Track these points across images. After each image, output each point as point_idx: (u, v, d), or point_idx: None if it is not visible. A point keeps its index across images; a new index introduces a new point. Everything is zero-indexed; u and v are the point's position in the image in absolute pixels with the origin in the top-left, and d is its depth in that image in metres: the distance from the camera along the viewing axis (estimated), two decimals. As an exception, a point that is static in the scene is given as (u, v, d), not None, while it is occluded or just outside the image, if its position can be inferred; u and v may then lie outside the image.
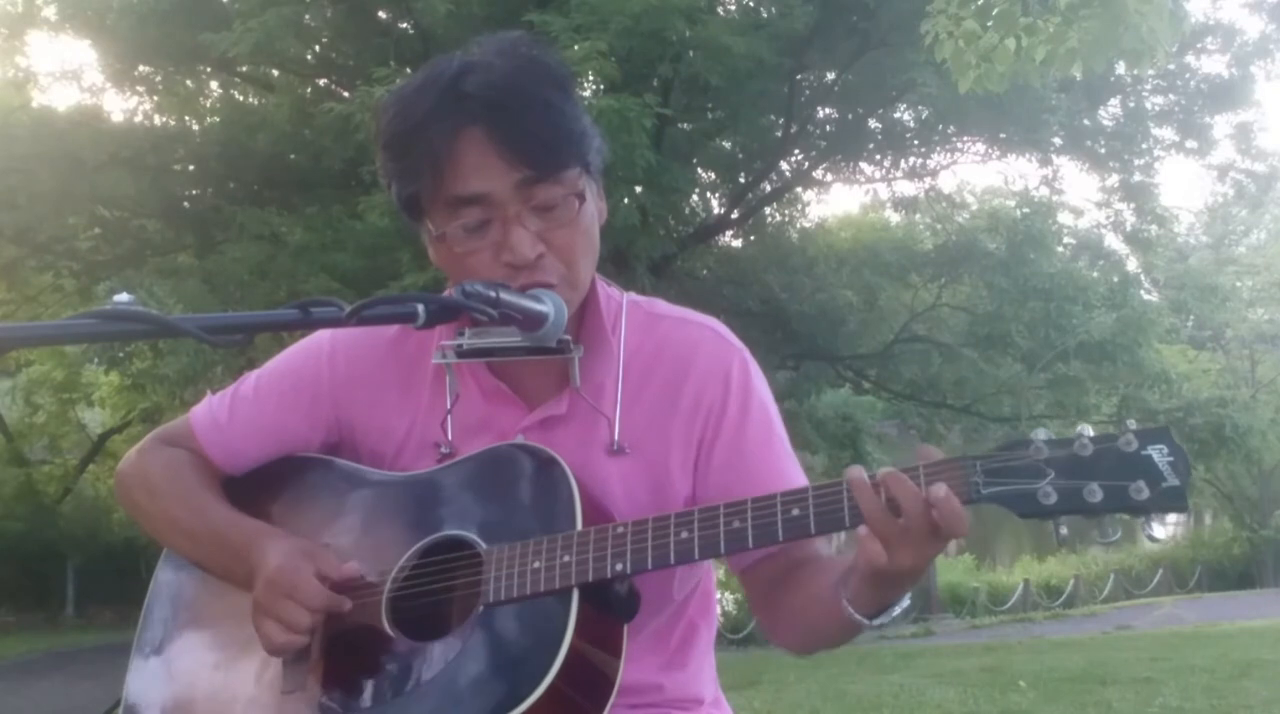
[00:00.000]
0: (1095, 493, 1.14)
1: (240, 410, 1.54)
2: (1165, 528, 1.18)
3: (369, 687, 1.33)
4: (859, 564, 1.22)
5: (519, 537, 1.31)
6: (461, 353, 1.38)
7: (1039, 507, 1.15)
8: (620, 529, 1.28)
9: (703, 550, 1.25)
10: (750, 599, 1.47)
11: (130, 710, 1.51)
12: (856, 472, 1.20)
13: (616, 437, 1.42)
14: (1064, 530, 1.19)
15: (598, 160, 1.40)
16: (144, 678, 1.52)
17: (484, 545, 1.33)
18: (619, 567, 1.26)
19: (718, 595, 1.63)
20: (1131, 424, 1.16)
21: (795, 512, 1.22)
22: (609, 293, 1.49)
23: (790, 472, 1.45)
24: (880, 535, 1.17)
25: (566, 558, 1.27)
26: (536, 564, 1.28)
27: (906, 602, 1.28)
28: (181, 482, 1.51)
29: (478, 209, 1.33)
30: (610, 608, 1.29)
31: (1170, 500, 1.13)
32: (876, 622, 1.26)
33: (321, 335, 1.54)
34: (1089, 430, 1.16)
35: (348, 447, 1.53)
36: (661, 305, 1.53)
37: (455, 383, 1.45)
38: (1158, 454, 1.13)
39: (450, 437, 1.45)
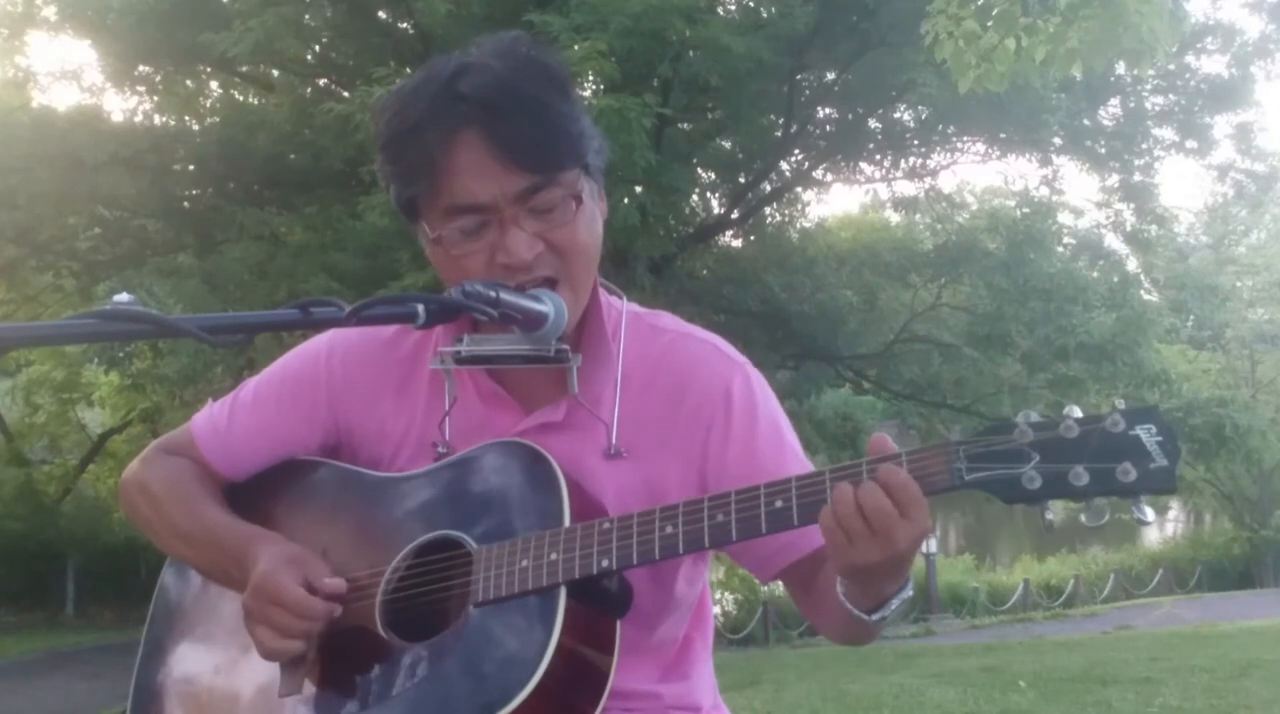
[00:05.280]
0: (1081, 476, 1.10)
1: (240, 416, 1.55)
2: (1157, 513, 1.14)
3: (364, 689, 1.33)
4: (832, 561, 1.22)
5: (509, 535, 1.32)
6: (459, 360, 1.37)
7: (1024, 492, 1.12)
8: (606, 525, 1.27)
9: (687, 545, 1.24)
10: (794, 601, 1.49)
11: (135, 710, 1.53)
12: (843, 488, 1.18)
13: (614, 441, 1.41)
14: (1050, 515, 1.15)
15: (597, 160, 1.39)
16: (149, 679, 1.54)
17: (474, 545, 1.34)
18: (604, 563, 1.25)
19: (716, 595, 1.63)
20: (1119, 403, 1.12)
21: (779, 503, 1.21)
22: (610, 301, 1.49)
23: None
24: (844, 530, 1.16)
25: (554, 555, 1.27)
26: (524, 562, 1.28)
27: (909, 592, 1.25)
28: (182, 490, 1.52)
29: (474, 213, 1.32)
30: (600, 604, 1.28)
31: (1159, 481, 1.09)
32: (876, 616, 1.25)
33: (319, 339, 1.55)
34: (1076, 411, 1.13)
35: (346, 449, 1.54)
36: (665, 318, 1.52)
37: (453, 386, 1.45)
38: (1146, 434, 1.10)
39: (448, 438, 1.45)
